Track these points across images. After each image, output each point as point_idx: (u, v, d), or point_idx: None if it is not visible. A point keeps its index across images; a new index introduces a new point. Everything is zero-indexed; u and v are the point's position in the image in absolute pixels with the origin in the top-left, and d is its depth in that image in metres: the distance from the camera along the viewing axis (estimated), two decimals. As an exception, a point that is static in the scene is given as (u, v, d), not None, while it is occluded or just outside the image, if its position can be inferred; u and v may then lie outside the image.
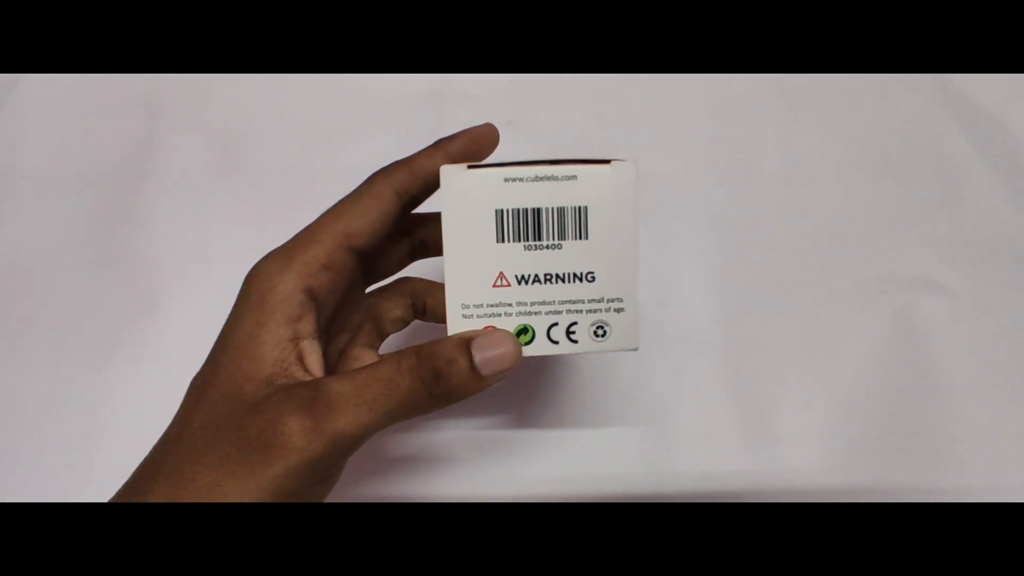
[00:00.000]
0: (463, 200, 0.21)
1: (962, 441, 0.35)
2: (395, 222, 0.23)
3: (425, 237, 0.26)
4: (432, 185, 0.23)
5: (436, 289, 0.27)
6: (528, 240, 0.22)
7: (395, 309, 0.26)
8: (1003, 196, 0.39)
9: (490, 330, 0.21)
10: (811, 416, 0.36)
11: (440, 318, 0.26)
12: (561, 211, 0.22)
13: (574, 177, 0.21)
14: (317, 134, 0.42)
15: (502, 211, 0.21)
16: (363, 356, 0.25)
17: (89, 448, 0.35)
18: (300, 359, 0.21)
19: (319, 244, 0.22)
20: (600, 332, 0.22)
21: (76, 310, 0.38)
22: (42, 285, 0.38)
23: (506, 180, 0.21)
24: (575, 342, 0.22)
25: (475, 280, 0.22)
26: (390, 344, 0.28)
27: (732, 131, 0.42)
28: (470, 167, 0.21)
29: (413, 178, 0.23)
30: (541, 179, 0.21)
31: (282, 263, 0.22)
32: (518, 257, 0.22)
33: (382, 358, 0.21)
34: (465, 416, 0.35)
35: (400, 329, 0.27)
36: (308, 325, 0.21)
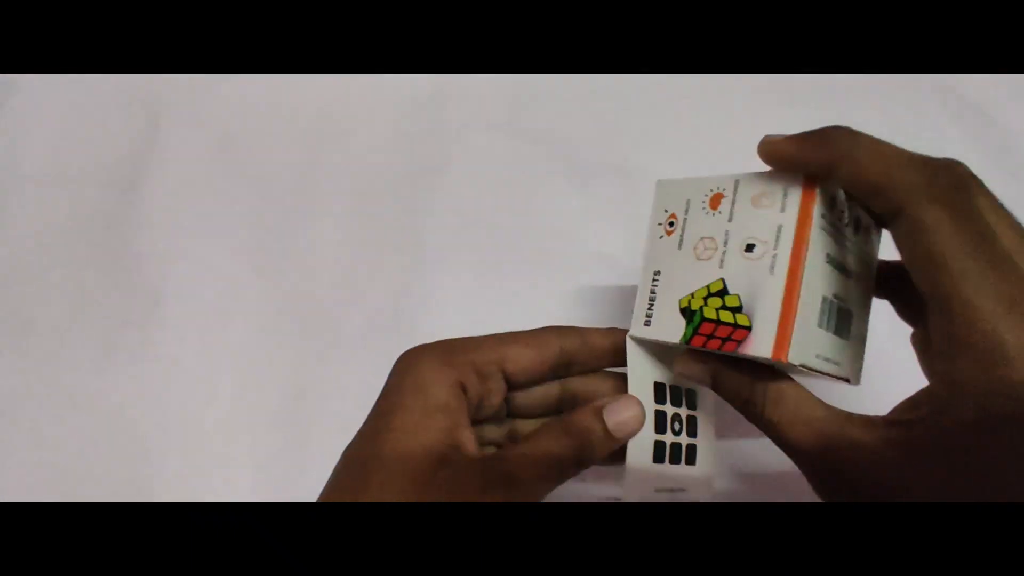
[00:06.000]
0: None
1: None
2: (550, 371, 0.25)
3: (578, 390, 0.27)
4: (597, 356, 0.25)
5: None
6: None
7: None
8: (1001, 196, 0.39)
9: (621, 401, 0.23)
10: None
11: None
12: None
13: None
14: (317, 134, 0.42)
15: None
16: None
17: (89, 448, 0.35)
18: (460, 445, 0.23)
19: (478, 353, 0.23)
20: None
21: (76, 310, 0.38)
22: (42, 285, 0.38)
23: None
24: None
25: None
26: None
27: (732, 131, 0.42)
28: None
29: (582, 344, 0.25)
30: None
31: (443, 358, 0.23)
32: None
33: (538, 431, 0.23)
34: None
35: None
36: (463, 416, 0.23)
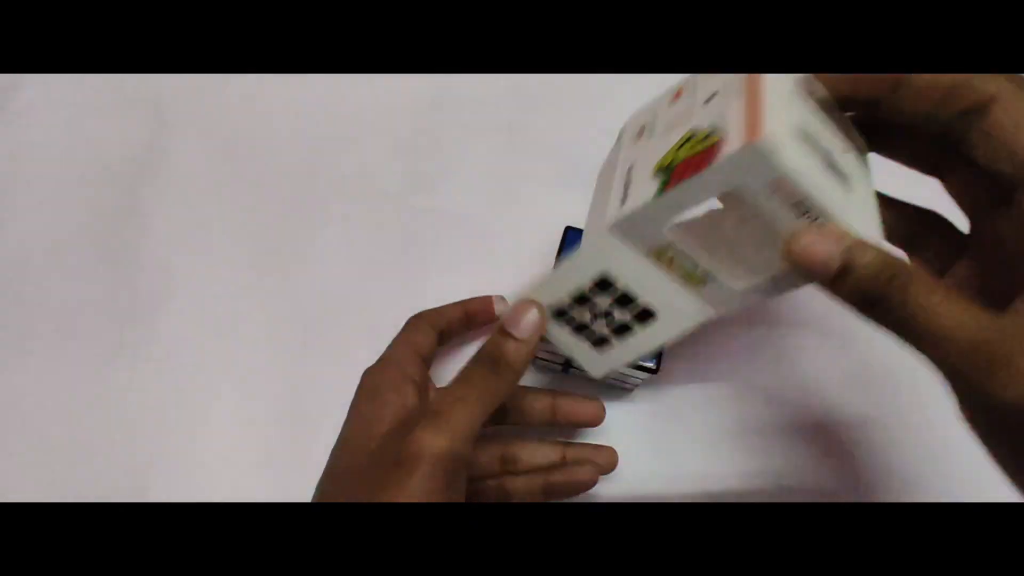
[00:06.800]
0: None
1: (960, 440, 0.35)
2: (439, 341, 0.33)
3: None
4: (453, 326, 0.33)
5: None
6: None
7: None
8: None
9: (520, 305, 0.25)
10: (810, 416, 0.36)
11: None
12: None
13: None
14: (320, 135, 0.42)
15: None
16: None
17: (90, 448, 0.35)
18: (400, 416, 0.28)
19: (405, 356, 0.30)
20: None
21: (79, 311, 0.38)
22: (45, 286, 0.38)
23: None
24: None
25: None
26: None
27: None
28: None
29: (442, 320, 0.33)
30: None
31: (384, 368, 0.30)
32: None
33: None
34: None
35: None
36: (416, 402, 0.29)
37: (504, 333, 0.25)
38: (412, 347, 0.31)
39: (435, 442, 0.24)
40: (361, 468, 0.26)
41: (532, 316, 0.25)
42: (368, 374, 0.30)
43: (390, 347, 0.32)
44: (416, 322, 0.32)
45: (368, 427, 0.27)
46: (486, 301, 0.35)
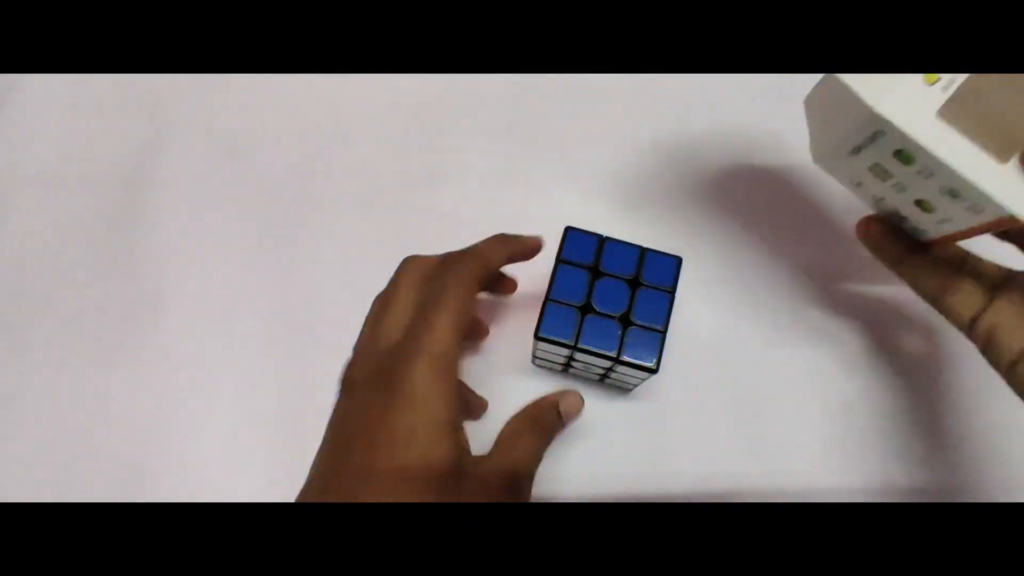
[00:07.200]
0: None
1: (960, 440, 0.35)
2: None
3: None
4: (493, 271, 0.29)
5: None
6: None
7: None
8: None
9: (568, 394, 0.31)
10: (809, 417, 0.36)
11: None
12: None
13: None
14: (320, 135, 0.42)
15: None
16: None
17: (90, 448, 0.35)
18: (464, 449, 0.27)
19: (452, 343, 0.26)
20: None
21: (79, 311, 0.38)
22: (45, 286, 0.38)
23: None
24: None
25: None
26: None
27: (732, 131, 0.42)
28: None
29: (487, 270, 0.28)
30: None
31: (431, 368, 0.25)
32: None
33: (513, 430, 0.29)
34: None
35: None
36: (458, 417, 0.27)
37: (556, 409, 0.30)
38: (460, 330, 0.26)
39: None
40: (440, 488, 0.24)
41: (578, 408, 0.31)
42: (414, 369, 0.25)
43: (434, 327, 0.25)
44: (467, 281, 0.27)
45: (432, 448, 0.24)
46: (526, 244, 0.30)
